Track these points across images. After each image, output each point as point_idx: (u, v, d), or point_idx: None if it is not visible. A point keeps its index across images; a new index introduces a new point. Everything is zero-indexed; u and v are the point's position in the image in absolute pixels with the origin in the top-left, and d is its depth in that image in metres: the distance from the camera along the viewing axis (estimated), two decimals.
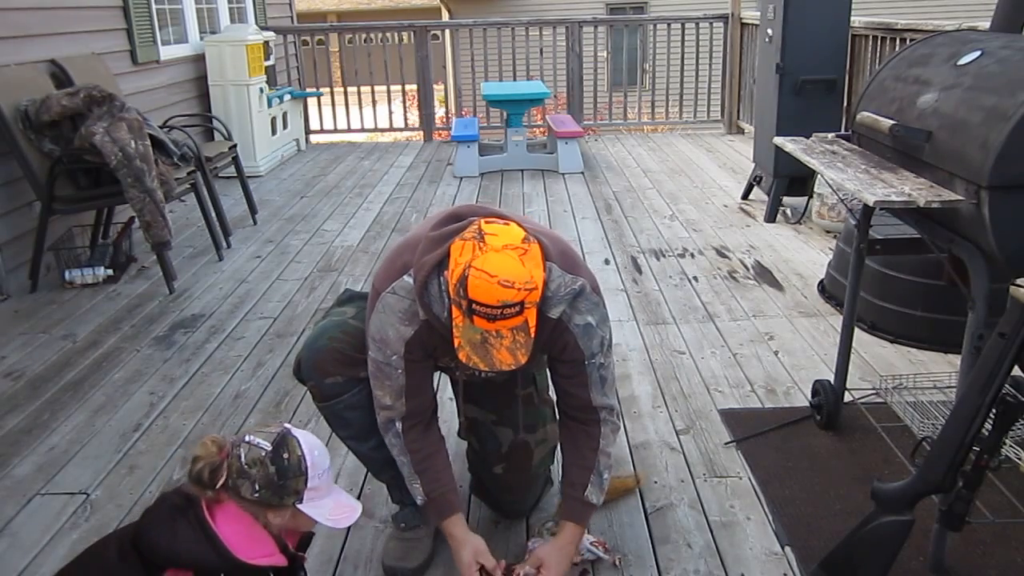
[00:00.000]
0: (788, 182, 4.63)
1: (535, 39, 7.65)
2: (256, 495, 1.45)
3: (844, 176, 1.96)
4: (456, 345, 1.53)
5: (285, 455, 1.47)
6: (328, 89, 7.83)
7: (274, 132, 6.62)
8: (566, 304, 1.65)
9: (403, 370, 1.70)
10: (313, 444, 1.53)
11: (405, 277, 1.66)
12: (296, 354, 1.90)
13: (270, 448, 1.47)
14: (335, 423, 1.89)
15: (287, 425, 1.54)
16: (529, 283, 1.48)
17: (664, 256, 4.17)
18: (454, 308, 1.52)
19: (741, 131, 7.41)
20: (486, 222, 1.55)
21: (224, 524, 1.45)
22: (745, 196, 5.21)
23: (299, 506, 1.49)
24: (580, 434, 1.82)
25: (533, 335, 1.54)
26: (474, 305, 1.47)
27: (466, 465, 2.13)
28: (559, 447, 1.93)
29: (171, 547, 1.42)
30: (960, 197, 1.74)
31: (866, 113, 2.13)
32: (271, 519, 1.49)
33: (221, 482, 1.45)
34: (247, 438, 1.49)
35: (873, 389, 2.44)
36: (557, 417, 1.95)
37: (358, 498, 2.19)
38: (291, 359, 2.95)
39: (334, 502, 1.54)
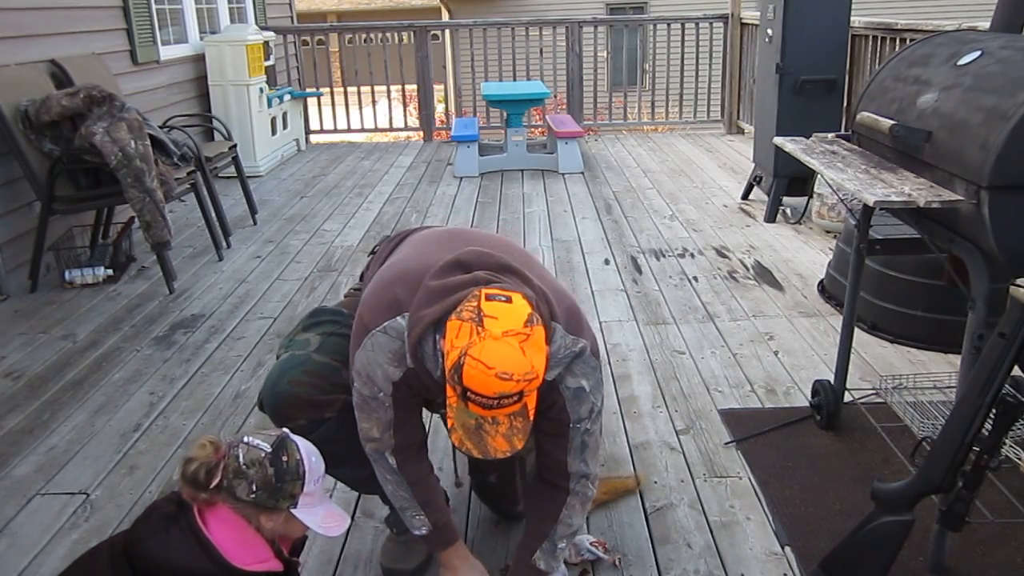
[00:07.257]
0: (788, 182, 4.63)
1: (535, 39, 7.65)
2: (252, 496, 1.44)
3: (844, 176, 1.96)
4: (449, 427, 1.45)
5: (284, 457, 1.46)
6: (328, 89, 7.83)
7: (274, 132, 6.62)
8: (562, 367, 1.57)
9: (391, 405, 1.62)
10: (311, 450, 1.52)
11: (399, 319, 1.54)
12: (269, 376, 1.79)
13: (270, 449, 1.45)
14: None
15: (286, 430, 1.54)
16: (529, 374, 1.37)
17: (664, 256, 4.17)
18: (449, 388, 1.42)
19: (741, 131, 7.40)
20: (487, 298, 1.41)
21: (217, 530, 1.44)
22: (745, 196, 5.21)
23: (293, 511, 1.47)
24: (546, 497, 1.74)
25: (532, 417, 1.45)
26: (469, 393, 1.37)
27: (466, 467, 2.13)
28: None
29: (164, 556, 1.41)
30: (960, 197, 1.74)
31: (866, 113, 2.13)
32: (263, 523, 1.47)
33: (216, 482, 1.43)
34: (245, 439, 1.47)
35: (873, 389, 2.44)
36: None
37: (357, 499, 2.19)
38: None
39: (326, 510, 1.53)
